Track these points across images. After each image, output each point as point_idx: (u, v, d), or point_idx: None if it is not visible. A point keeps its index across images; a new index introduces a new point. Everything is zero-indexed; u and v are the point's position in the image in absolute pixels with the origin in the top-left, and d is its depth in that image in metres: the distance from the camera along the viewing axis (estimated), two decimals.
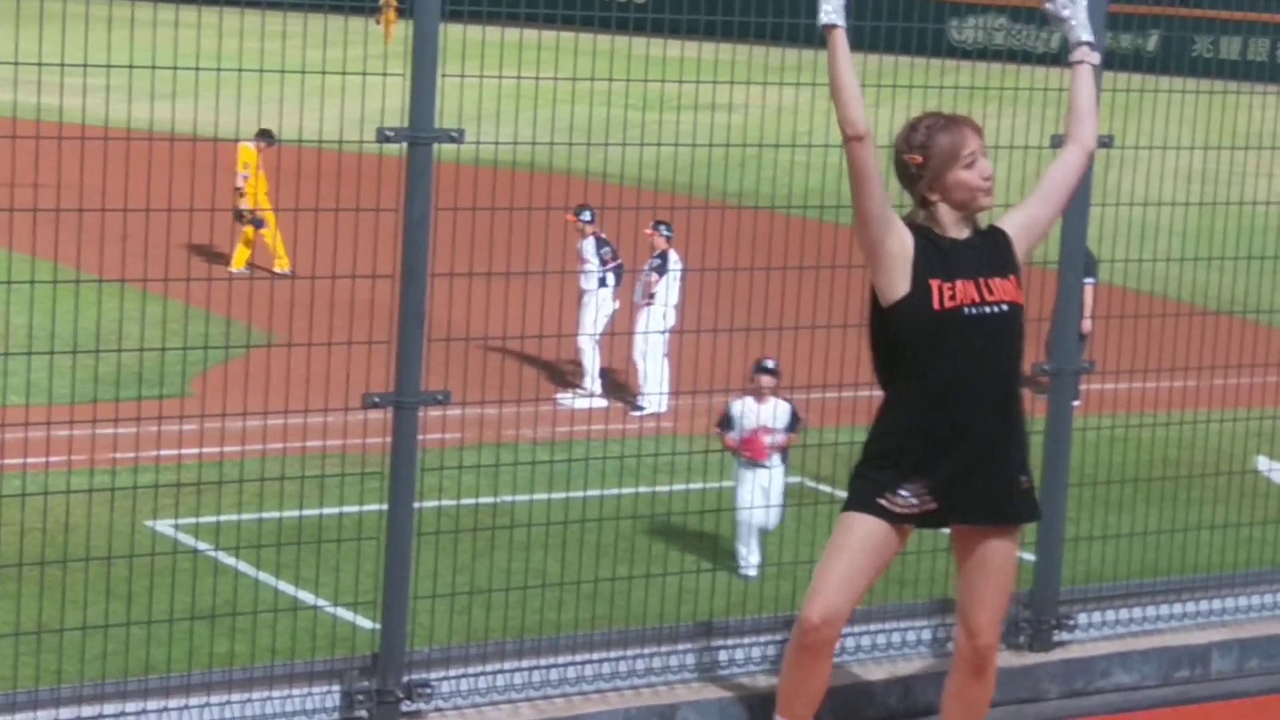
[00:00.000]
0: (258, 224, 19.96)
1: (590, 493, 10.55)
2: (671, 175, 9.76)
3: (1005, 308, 6.07)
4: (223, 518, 10.76)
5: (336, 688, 6.56)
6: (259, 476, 10.62)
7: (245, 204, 19.81)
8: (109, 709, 6.25)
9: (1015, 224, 6.28)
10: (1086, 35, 6.33)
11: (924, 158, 6.04)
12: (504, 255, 7.82)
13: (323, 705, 6.53)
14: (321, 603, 9.39)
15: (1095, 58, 6.35)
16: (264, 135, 19.43)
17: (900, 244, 6.02)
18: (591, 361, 15.95)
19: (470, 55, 7.19)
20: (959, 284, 6.02)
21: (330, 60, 7.40)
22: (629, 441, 13.23)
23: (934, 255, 6.04)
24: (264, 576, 10.00)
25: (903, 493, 6.03)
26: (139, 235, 9.07)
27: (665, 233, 15.85)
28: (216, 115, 7.66)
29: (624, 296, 16.38)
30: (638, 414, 15.23)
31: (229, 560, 10.21)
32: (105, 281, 9.74)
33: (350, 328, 7.85)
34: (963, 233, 6.13)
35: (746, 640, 7.29)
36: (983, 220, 6.26)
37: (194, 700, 6.36)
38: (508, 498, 10.48)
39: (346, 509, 10.51)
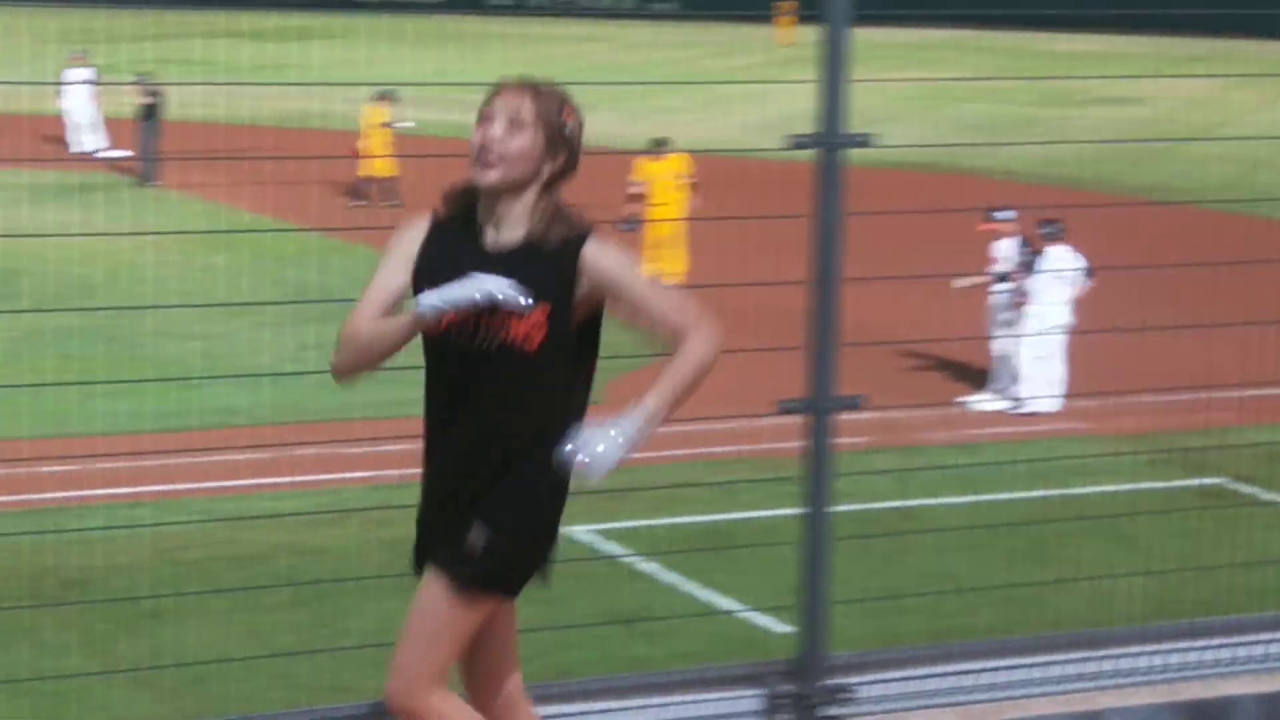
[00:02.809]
0: (629, 226, 20.13)
1: (1001, 496, 10.43)
2: (1077, 172, 9.55)
3: (496, 345, 4.28)
4: (637, 523, 10.95)
5: (759, 692, 6.59)
6: (671, 483, 10.77)
7: (631, 209, 20.17)
8: None
9: (607, 273, 4.33)
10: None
11: None
12: (912, 258, 7.79)
13: (746, 709, 6.57)
14: (735, 606, 9.48)
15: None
16: (654, 144, 19.93)
17: (411, 241, 4.43)
18: (1011, 364, 15.75)
19: (869, 58, 7.19)
20: None
21: (732, 69, 7.46)
22: (1040, 444, 13.03)
23: (436, 251, 4.37)
24: (677, 580, 10.15)
25: None
26: None
27: (1046, 231, 15.54)
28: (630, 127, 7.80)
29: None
30: (1018, 413, 15.00)
31: (643, 565, 10.39)
32: None
33: (758, 334, 7.90)
34: (516, 233, 4.34)
35: (1165, 645, 7.10)
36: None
37: (614, 704, 6.47)
38: (919, 501, 10.41)
39: (756, 514, 10.60)
